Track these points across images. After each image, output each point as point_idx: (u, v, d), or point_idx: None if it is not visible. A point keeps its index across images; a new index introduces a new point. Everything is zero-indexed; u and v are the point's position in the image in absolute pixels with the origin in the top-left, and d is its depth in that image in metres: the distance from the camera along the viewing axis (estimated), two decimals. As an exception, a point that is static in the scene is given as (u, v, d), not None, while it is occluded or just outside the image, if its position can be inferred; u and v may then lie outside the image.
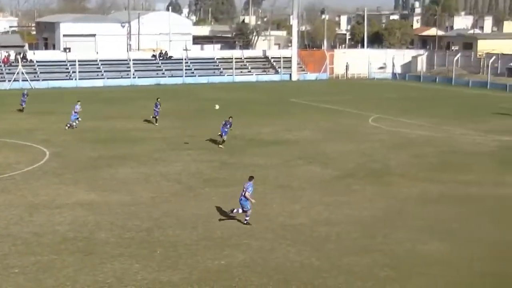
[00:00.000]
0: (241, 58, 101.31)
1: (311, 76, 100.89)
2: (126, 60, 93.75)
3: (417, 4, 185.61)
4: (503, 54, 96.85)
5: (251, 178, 27.62)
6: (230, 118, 43.97)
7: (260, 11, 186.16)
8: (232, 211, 27.46)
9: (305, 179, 35.30)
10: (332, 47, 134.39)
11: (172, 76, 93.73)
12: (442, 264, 22.97)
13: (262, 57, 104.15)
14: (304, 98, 73.42)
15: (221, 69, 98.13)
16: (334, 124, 54.12)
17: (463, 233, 26.42)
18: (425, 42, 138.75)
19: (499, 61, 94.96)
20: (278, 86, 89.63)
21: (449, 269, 22.57)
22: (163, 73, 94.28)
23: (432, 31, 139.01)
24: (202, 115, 58.49)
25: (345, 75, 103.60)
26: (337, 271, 22.28)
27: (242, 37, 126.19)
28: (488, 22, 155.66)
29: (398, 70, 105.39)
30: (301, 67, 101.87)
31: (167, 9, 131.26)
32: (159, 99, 53.56)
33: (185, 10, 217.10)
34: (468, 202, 31.08)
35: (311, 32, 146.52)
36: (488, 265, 23.01)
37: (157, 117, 52.72)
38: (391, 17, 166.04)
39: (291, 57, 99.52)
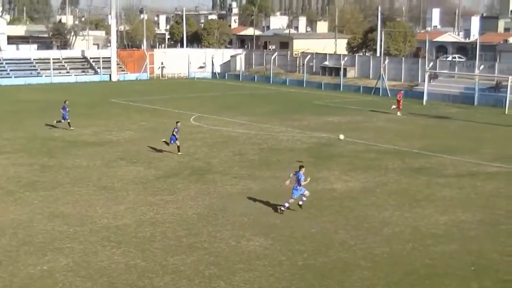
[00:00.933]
0: (59, 58, 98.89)
1: (132, 76, 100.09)
2: None
3: (234, 4, 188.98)
4: (317, 53, 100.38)
5: (301, 167, 29.00)
6: (178, 123, 41.85)
7: (77, 10, 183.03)
8: (285, 206, 29.07)
9: (128, 180, 35.11)
10: (152, 47, 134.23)
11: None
12: (265, 259, 23.56)
13: (81, 57, 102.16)
14: (125, 98, 72.86)
15: (39, 70, 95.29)
16: (155, 124, 54.05)
17: (284, 228, 27.19)
18: (243, 41, 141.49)
19: (314, 60, 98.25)
20: (98, 87, 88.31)
21: (271, 263, 23.17)
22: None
23: (250, 31, 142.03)
24: (20, 117, 56.79)
25: (161, 75, 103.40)
26: (163, 271, 22.33)
27: (59, 37, 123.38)
28: (302, 22, 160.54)
29: (217, 69, 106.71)
30: (121, 67, 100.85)
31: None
32: (67, 102, 51.39)
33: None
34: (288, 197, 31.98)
35: (130, 32, 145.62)
36: (308, 258, 23.81)
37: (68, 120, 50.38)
38: (210, 17, 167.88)
39: (110, 57, 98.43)
